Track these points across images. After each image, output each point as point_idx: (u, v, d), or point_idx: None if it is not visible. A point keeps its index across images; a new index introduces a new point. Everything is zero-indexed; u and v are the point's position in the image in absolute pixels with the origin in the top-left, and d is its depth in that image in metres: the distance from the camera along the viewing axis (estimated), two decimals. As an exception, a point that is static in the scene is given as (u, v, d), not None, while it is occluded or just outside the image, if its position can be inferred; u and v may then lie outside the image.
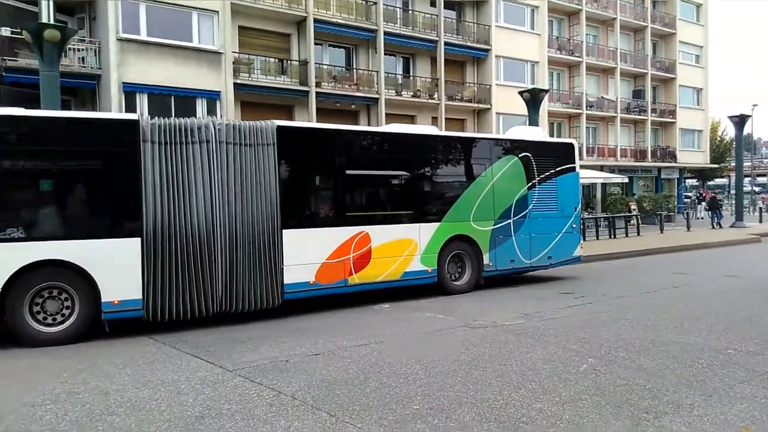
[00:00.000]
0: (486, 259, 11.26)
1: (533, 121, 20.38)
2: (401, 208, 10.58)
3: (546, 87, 28.02)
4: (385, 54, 25.60)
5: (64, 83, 14.47)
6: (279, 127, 8.95)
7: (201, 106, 21.34)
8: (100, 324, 7.80)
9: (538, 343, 6.91)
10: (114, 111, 19.16)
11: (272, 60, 23.34)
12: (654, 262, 16.59)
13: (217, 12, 21.13)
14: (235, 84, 21.71)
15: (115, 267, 7.73)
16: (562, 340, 7.03)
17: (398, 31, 26.02)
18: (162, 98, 20.45)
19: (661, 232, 26.21)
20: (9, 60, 19.18)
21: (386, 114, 24.95)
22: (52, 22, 16.58)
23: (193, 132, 8.27)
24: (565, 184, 12.57)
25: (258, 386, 5.42)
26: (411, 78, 27.49)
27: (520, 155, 11.96)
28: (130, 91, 19.74)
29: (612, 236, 24.36)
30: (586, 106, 34.13)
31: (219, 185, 8.31)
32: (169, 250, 7.95)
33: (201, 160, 8.24)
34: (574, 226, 12.74)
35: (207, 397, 5.14)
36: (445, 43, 27.26)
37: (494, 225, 11.41)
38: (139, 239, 7.80)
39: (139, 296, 7.83)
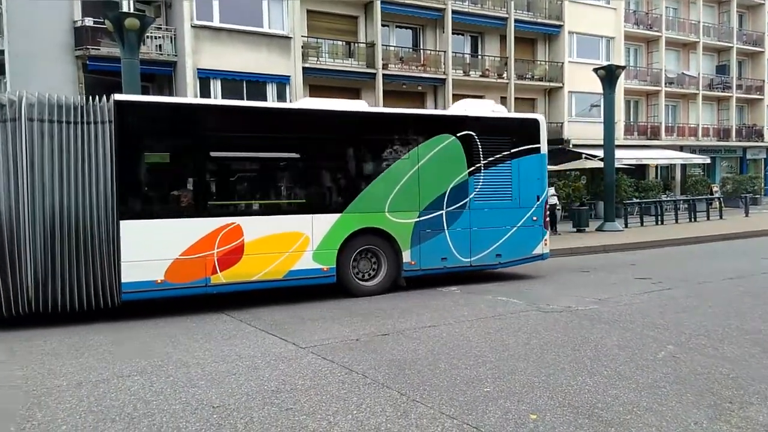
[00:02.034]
0: (407, 257, 9.48)
1: (609, 99, 19.62)
2: (287, 196, 9.20)
3: (622, 63, 26.82)
4: (452, 33, 25.21)
5: (142, 70, 15.08)
6: (118, 102, 7.78)
7: (271, 90, 21.77)
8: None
9: (613, 329, 6.70)
10: (189, 97, 19.87)
11: (340, 43, 23.48)
12: (738, 246, 15.71)
13: (287, -4, 21.40)
14: (303, 68, 21.99)
15: None
16: (638, 326, 6.79)
17: (466, 9, 25.55)
18: (234, 83, 21.01)
19: (746, 215, 24.75)
20: (92, 49, 20.18)
21: (453, 95, 24.62)
22: (132, 11, 17.30)
23: (15, 109, 7.26)
24: (524, 169, 10.40)
25: (330, 363, 5.54)
26: (479, 57, 26.99)
27: (459, 134, 9.92)
28: (205, 77, 20.37)
29: (692, 219, 23.23)
30: (665, 83, 32.50)
31: (28, 169, 7.23)
32: None
33: (12, 139, 7.22)
34: (535, 218, 10.48)
35: (282, 372, 5.30)
36: (516, 20, 26.54)
37: (419, 217, 9.58)
38: None
39: None
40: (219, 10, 20.53)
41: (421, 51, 25.51)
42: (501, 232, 10.25)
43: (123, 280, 7.70)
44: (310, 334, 6.74)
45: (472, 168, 10.03)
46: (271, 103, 10.63)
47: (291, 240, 8.71)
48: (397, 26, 25.20)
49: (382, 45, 23.73)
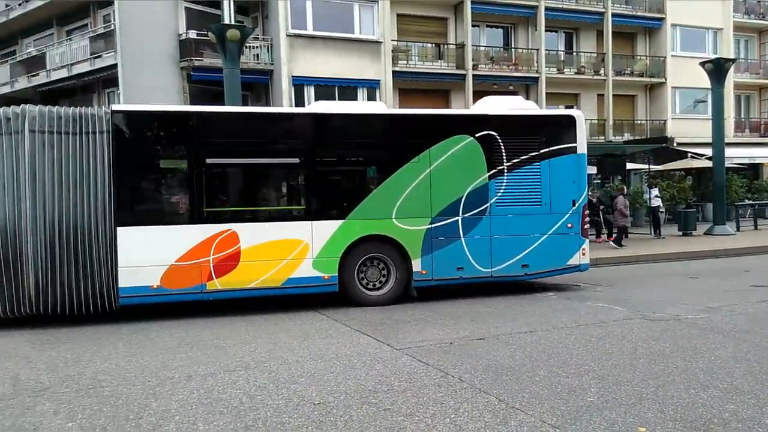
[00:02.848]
0: (417, 266, 8.89)
1: (717, 94, 18.40)
2: (285, 203, 9.15)
3: (732, 56, 25.04)
4: (545, 30, 24.57)
5: (242, 79, 15.79)
6: (115, 113, 7.99)
7: (362, 95, 22.13)
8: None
9: (727, 340, 6.25)
10: (285, 104, 20.58)
11: (429, 45, 23.52)
12: None
13: (377, 2, 21.69)
14: (393, 72, 22.20)
15: None
16: (756, 337, 6.29)
17: (561, 6, 24.82)
18: (327, 89, 21.54)
19: None
20: (195, 60, 21.36)
21: (547, 93, 24.02)
22: (232, 23, 18.15)
23: (17, 122, 7.61)
24: (557, 171, 9.35)
25: (425, 366, 5.53)
26: (574, 54, 26.13)
27: (478, 135, 9.11)
28: (299, 84, 21.04)
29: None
30: (781, 76, 30.01)
31: (29, 179, 7.53)
32: None
33: (16, 150, 7.57)
34: (570, 225, 9.39)
35: (378, 372, 5.36)
36: (613, 15, 25.50)
37: (431, 224, 8.94)
38: None
39: None
40: (312, 18, 21.14)
41: (513, 50, 25.06)
42: (528, 240, 9.26)
43: (120, 285, 7.84)
44: (404, 336, 6.77)
45: (494, 171, 9.16)
46: (269, 108, 10.22)
47: (290, 247, 8.48)
48: (487, 26, 24.90)
49: (472, 45, 23.53)
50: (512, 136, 9.26)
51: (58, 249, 7.60)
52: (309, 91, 21.19)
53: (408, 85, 22.97)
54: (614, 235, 16.17)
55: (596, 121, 25.60)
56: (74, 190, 7.69)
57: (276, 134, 8.95)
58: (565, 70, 25.40)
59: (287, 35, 20.74)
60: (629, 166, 22.55)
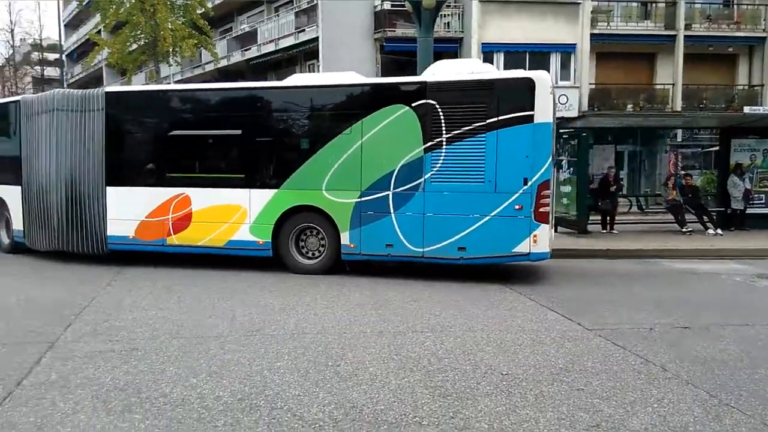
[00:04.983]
0: (345, 239, 8.61)
1: None
2: (229, 171, 9.38)
3: None
4: (779, -18, 21.17)
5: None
6: (106, 93, 9.66)
7: (554, 60, 21.10)
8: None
9: None
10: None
11: (634, 4, 21.56)
12: None
13: (577, -40, 20.35)
14: (591, 35, 20.79)
15: (13, 206, 10.49)
16: None
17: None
18: (517, 56, 20.86)
19: None
20: (389, 31, 21.97)
21: (776, 56, 20.80)
22: (425, -9, 18.21)
23: (42, 104, 9.83)
24: (504, 144, 7.93)
25: (621, 350, 5.17)
26: (814, 8, 22.19)
27: (414, 104, 8.27)
28: (488, 51, 20.64)
29: None
30: None
31: (56, 146, 9.64)
32: (30, 198, 10.04)
33: (45, 126, 9.74)
34: (519, 206, 7.92)
35: (568, 351, 5.13)
36: None
37: (360, 197, 8.50)
38: (19, 187, 10.19)
39: (21, 228, 10.30)
40: (506, -18, 20.50)
41: (735, 6, 21.98)
42: (466, 221, 8.15)
43: (108, 234, 9.54)
44: (596, 317, 6.39)
45: (430, 143, 8.23)
46: (217, 84, 11.52)
47: (231, 212, 9.10)
48: (704, -20, 22.11)
49: (686, 2, 21.06)
50: (455, 104, 8.19)
51: (71, 202, 9.64)
52: (498, 58, 20.71)
53: (607, 48, 21.41)
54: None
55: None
56: (81, 156, 9.61)
57: (221, 108, 9.62)
58: (801, 27, 21.75)
59: (480, 1, 20.36)
60: None
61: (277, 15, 26.66)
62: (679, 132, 19.65)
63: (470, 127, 8.06)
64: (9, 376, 4.40)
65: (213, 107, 9.73)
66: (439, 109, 8.18)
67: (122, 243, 9.55)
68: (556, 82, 21.37)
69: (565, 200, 13.15)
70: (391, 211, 8.42)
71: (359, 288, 7.86)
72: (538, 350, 5.14)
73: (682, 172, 13.93)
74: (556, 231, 9.81)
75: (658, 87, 22.62)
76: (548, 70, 20.71)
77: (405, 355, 4.97)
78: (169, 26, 19.40)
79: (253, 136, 9.16)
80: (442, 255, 8.32)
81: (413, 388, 4.21)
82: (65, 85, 32.88)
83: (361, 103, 8.74)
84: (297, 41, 24.26)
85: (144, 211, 9.44)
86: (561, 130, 13.78)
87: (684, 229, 12.78)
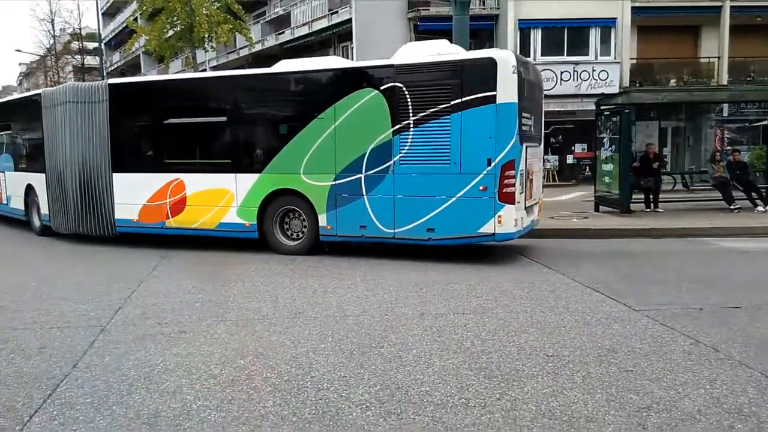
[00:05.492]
0: (323, 221, 8.85)
1: None
2: (217, 156, 9.80)
3: None
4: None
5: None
6: (110, 85, 10.24)
7: (594, 36, 20.56)
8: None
9: None
10: (509, 48, 19.96)
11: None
12: None
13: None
14: (632, 8, 20.16)
15: (40, 192, 11.28)
16: None
17: None
18: (555, 32, 20.39)
19: None
20: (422, 10, 21.72)
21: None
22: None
23: (58, 96, 10.54)
24: (469, 125, 7.90)
25: (670, 331, 5.05)
26: None
27: (383, 87, 8.33)
28: (525, 28, 20.23)
29: None
30: None
31: (70, 136, 10.29)
32: (51, 184, 10.77)
33: (62, 116, 10.38)
34: (483, 187, 7.88)
35: (616, 332, 5.04)
36: None
37: (335, 180, 8.71)
38: (43, 174, 10.92)
39: (47, 212, 11.09)
40: (544, -45, 19.99)
41: (786, -28, 20.97)
42: (433, 202, 8.20)
43: (116, 217, 10.13)
44: (642, 297, 6.26)
45: (398, 126, 8.28)
46: (202, 73, 12.24)
47: (220, 196, 9.45)
48: (753, -54, 21.12)
49: (734, -30, 20.22)
50: (421, 87, 8.22)
51: (84, 188, 10.28)
52: (535, 35, 20.30)
53: (649, 22, 20.74)
54: None
55: None
56: (91, 145, 10.18)
57: (207, 96, 10.08)
58: None
59: (515, -24, 19.92)
60: None
61: (310, -3, 26.60)
62: (725, 106, 18.95)
63: (436, 109, 8.11)
64: (65, 358, 4.56)
65: (200, 95, 10.20)
66: (406, 92, 8.25)
67: (128, 226, 10.18)
68: (596, 57, 20.84)
69: (606, 179, 12.87)
70: (364, 193, 8.59)
71: (398, 269, 7.87)
72: (583, 331, 5.07)
73: (729, 148, 13.46)
74: (539, 212, 9.53)
75: (702, 60, 21.84)
76: (588, 46, 20.24)
77: (448, 336, 4.96)
78: (205, 12, 19.56)
79: (235, 122, 9.56)
80: (411, 236, 8.45)
81: (458, 370, 4.20)
82: (104, 74, 33.56)
83: (334, 87, 8.88)
84: (330, 23, 24.20)
85: (146, 196, 9.97)
86: (602, 107, 13.47)
87: (732, 207, 12.38)
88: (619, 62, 20.86)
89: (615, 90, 20.19)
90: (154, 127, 10.19)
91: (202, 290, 6.84)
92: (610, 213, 12.56)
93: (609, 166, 12.77)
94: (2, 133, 13.37)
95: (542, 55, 20.62)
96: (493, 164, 7.83)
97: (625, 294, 6.37)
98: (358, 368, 4.26)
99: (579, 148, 22.67)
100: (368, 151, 8.49)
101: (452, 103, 7.97)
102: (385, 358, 4.46)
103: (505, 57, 7.94)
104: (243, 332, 5.18)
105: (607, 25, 20.20)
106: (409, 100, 8.23)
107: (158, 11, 20.51)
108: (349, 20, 22.73)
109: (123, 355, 4.62)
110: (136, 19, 24.73)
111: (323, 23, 24.55)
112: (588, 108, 18.75)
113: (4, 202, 13.30)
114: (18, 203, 12.48)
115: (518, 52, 20.56)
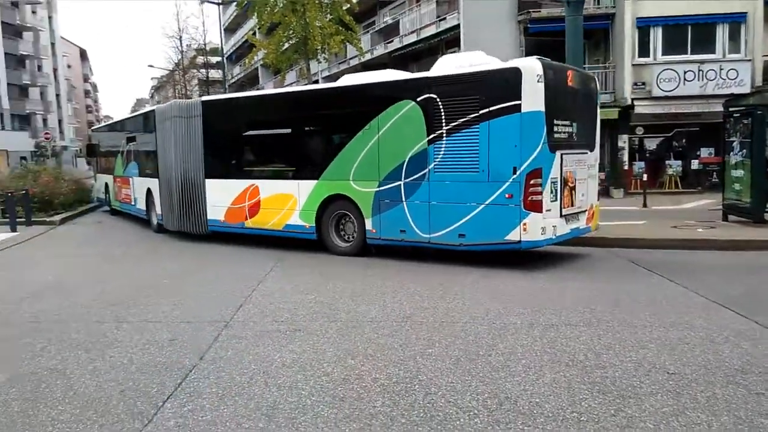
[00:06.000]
0: (369, 225, 9.42)
1: None
2: (284, 164, 10.79)
3: None
4: None
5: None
6: (202, 102, 11.88)
7: (722, 32, 19.15)
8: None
9: None
10: (627, 48, 19.05)
11: (822, -39, 18.84)
12: None
13: None
14: (765, 1, 18.54)
15: (155, 194, 13.16)
16: None
17: None
18: (677, 29, 19.20)
19: None
20: (533, 12, 21.24)
21: None
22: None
23: (167, 111, 12.34)
24: (496, 134, 8.00)
25: (810, 353, 4.61)
26: None
27: (419, 99, 8.69)
28: (644, 26, 19.22)
29: None
30: None
31: (174, 146, 11.92)
32: (162, 188, 12.55)
33: (170, 129, 12.03)
34: (509, 195, 7.94)
35: (746, 352, 4.67)
36: None
37: (379, 187, 9.23)
38: (157, 179, 12.76)
39: (160, 212, 12.82)
40: (665, -51, 18.89)
41: None
42: (465, 209, 8.40)
43: (208, 218, 11.53)
44: (777, 314, 5.75)
45: (433, 135, 8.61)
46: (277, 89, 13.32)
47: (286, 200, 10.38)
48: None
49: None
50: (453, 97, 8.46)
51: (185, 191, 11.79)
52: (655, 33, 19.23)
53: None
54: None
55: None
56: (190, 154, 11.68)
57: (275, 110, 11.16)
58: None
59: (634, -27, 18.99)
60: None
61: (419, 5, 26.88)
62: None
63: (466, 119, 8.34)
64: (193, 351, 4.95)
65: (269, 110, 11.38)
66: (440, 103, 8.58)
67: (216, 225, 11.54)
68: (723, 56, 19.38)
69: (736, 186, 11.92)
70: (403, 199, 9.04)
71: (504, 278, 7.77)
72: (708, 349, 4.74)
73: None
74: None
75: None
76: (714, 44, 18.90)
77: (559, 348, 4.83)
78: (318, 24, 20.34)
79: (298, 133, 10.66)
80: (445, 241, 8.73)
81: (570, 383, 4.09)
82: (226, 87, 35.82)
83: (378, 99, 9.37)
84: (438, 30, 24.30)
85: (230, 199, 11.18)
86: (731, 108, 12.52)
87: None
88: (750, 60, 19.23)
89: (746, 90, 18.63)
90: (236, 138, 11.43)
91: (314, 291, 7.14)
92: (740, 223, 11.61)
93: (739, 172, 11.81)
94: (130, 144, 15.50)
95: (663, 54, 19.48)
96: (518, 172, 7.96)
97: (757, 311, 5.87)
98: (465, 375, 4.27)
99: (705, 152, 21.15)
100: (407, 160, 8.95)
101: (481, 112, 8.20)
102: (493, 367, 4.42)
103: (530, 66, 7.98)
104: (353, 333, 5.35)
105: (736, 21, 18.68)
106: (442, 110, 8.57)
107: (275, 25, 21.58)
108: (457, 26, 22.70)
109: (244, 350, 4.93)
110: (254, 34, 26.19)
111: (431, 30, 24.71)
112: (714, 110, 17.49)
113: (133, 203, 15.48)
114: (141, 204, 14.49)
115: (636, 52, 19.63)
